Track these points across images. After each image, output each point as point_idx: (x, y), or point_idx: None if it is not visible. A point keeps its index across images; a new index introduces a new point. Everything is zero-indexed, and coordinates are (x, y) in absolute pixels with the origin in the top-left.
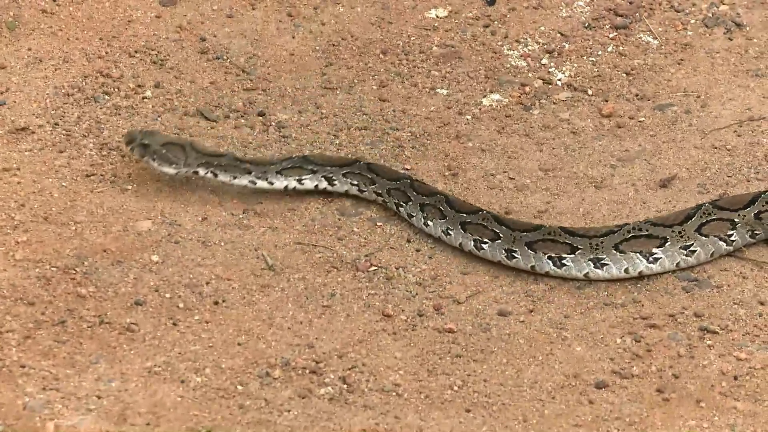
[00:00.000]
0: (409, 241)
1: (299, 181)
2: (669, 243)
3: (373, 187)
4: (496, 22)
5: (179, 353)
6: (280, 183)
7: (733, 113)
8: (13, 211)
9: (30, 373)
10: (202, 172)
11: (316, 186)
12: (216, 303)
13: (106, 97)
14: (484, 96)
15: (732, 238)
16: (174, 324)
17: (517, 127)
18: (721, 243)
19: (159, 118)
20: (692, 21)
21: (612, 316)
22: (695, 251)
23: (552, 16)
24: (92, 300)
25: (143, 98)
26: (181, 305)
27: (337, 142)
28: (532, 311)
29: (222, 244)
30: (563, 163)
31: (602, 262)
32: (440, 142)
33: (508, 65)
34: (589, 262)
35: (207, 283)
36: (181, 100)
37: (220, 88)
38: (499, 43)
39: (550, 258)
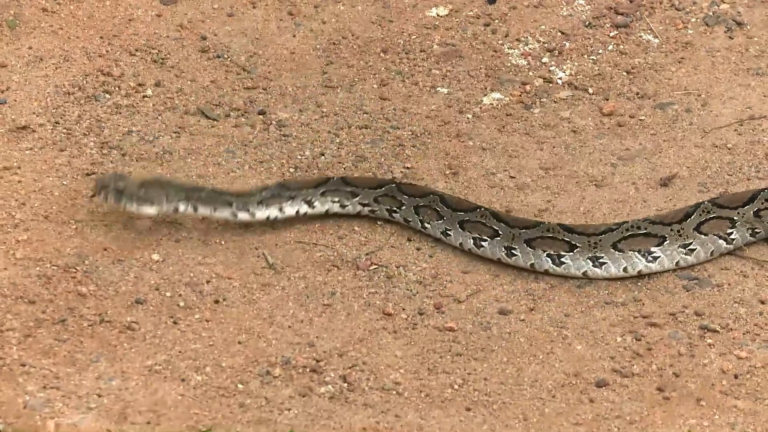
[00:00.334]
0: (409, 239)
1: (280, 209)
2: (668, 242)
3: (357, 198)
4: (496, 21)
5: (180, 352)
6: (261, 213)
7: (733, 112)
8: (13, 210)
9: (30, 372)
10: (182, 207)
11: (297, 212)
12: (216, 301)
13: (107, 95)
14: (485, 95)
15: (732, 237)
16: (174, 322)
17: (517, 126)
18: (720, 241)
19: (160, 117)
20: (693, 20)
21: (612, 315)
22: (695, 250)
23: (553, 14)
24: (93, 298)
25: (144, 97)
26: (181, 304)
27: (338, 140)
28: (532, 310)
29: (222, 242)
30: (564, 161)
31: (601, 260)
32: (441, 141)
33: (509, 64)
34: (588, 260)
35: (207, 282)
36: (181, 99)
37: (220, 87)
38: (500, 42)
39: (549, 256)
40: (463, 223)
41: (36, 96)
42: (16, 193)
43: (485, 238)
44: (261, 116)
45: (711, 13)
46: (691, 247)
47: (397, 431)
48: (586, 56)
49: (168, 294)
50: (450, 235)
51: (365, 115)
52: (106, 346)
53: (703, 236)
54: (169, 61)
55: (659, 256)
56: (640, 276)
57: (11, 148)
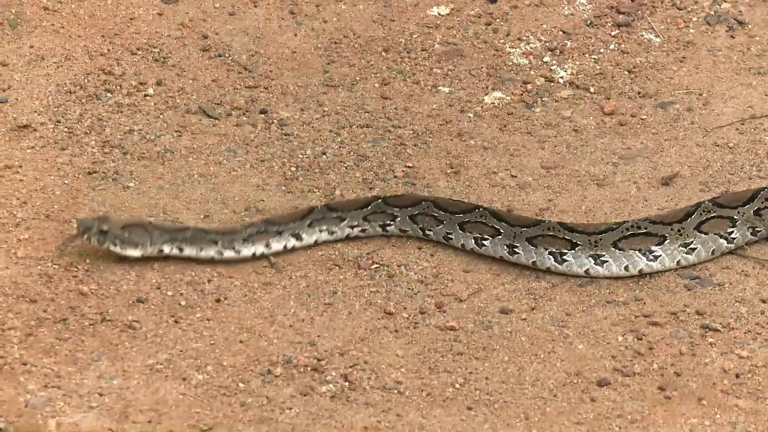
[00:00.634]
0: (410, 239)
1: (267, 245)
2: (668, 241)
3: (345, 222)
4: (498, 20)
5: (181, 351)
6: (247, 251)
7: (735, 111)
8: (15, 209)
9: (32, 371)
10: (167, 249)
11: (285, 246)
12: (218, 300)
13: (108, 94)
14: (486, 94)
15: (733, 236)
16: (176, 321)
17: (519, 125)
18: (721, 241)
19: (161, 116)
20: (694, 19)
21: (614, 314)
22: (696, 249)
23: (554, 13)
24: (94, 297)
25: (145, 96)
26: (182, 303)
27: (339, 139)
28: (533, 309)
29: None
30: (565, 161)
31: (602, 259)
32: (442, 140)
33: (510, 63)
34: (590, 258)
35: (209, 281)
36: (183, 98)
37: (222, 86)
38: (501, 41)
39: (551, 254)
40: (464, 225)
41: (37, 95)
42: (18, 192)
43: (486, 237)
44: (262, 115)
45: (712, 12)
46: (692, 246)
47: (399, 430)
48: (587, 55)
49: (169, 293)
50: (452, 238)
51: (367, 114)
52: (108, 345)
53: (703, 235)
54: (170, 60)
55: (660, 255)
56: (641, 275)
57: (13, 147)
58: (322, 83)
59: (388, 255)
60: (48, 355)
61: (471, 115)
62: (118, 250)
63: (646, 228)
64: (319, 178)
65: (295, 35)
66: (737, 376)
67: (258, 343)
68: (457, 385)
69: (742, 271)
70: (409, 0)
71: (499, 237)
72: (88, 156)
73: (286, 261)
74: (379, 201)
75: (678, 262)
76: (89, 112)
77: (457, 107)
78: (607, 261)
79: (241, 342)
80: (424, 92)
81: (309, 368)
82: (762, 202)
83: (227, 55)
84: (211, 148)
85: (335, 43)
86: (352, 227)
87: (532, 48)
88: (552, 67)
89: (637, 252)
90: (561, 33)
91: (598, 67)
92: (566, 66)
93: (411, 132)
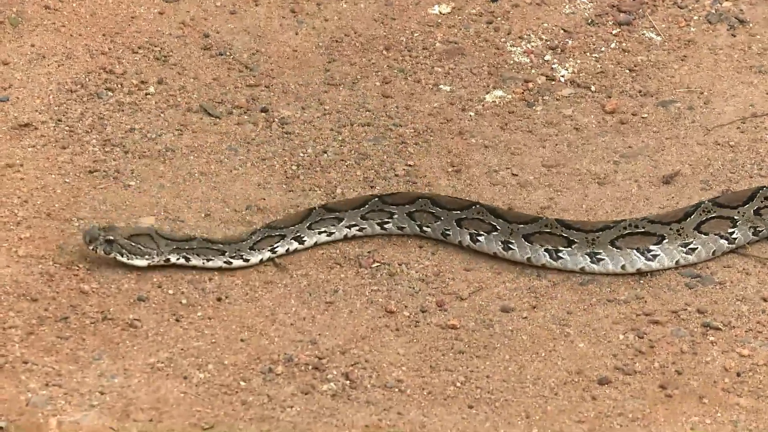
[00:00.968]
0: (411, 238)
1: (272, 250)
2: (666, 240)
3: (343, 223)
4: (499, 19)
5: (182, 349)
6: (255, 258)
7: (736, 110)
8: (16, 207)
9: (33, 369)
10: (173, 258)
11: (288, 249)
12: (219, 299)
13: (109, 93)
14: (487, 92)
15: (734, 236)
16: (177, 320)
17: (520, 124)
18: (722, 241)
19: (162, 115)
20: (695, 17)
21: (615, 313)
22: (696, 249)
23: (555, 12)
24: (95, 296)
25: (146, 94)
26: (184, 301)
27: (340, 138)
28: (535, 307)
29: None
30: (566, 159)
31: (599, 257)
32: (443, 139)
33: (511, 62)
34: (586, 256)
35: (210, 280)
36: (184, 97)
37: (223, 85)
38: (503, 40)
39: (546, 251)
40: (461, 221)
41: (38, 93)
42: (19, 191)
43: (482, 233)
44: (263, 114)
45: (713, 11)
46: (692, 246)
47: (400, 429)
48: (588, 54)
49: (170, 291)
50: (449, 234)
51: (368, 112)
52: (109, 344)
53: (703, 236)
54: (171, 58)
55: (659, 255)
56: (642, 274)
57: (14, 146)
58: (323, 82)
59: (389, 253)
60: (49, 353)
61: (472, 113)
62: (124, 259)
63: (644, 227)
64: (320, 176)
65: (296, 34)
66: (738, 374)
67: (259, 341)
68: (458, 384)
69: (743, 269)
70: None
71: (495, 233)
72: (89, 155)
73: (287, 260)
74: (376, 199)
75: (677, 261)
76: (90, 110)
77: (458, 106)
78: (603, 259)
79: (242, 340)
80: (425, 91)
81: (310, 367)
82: (762, 201)
83: (228, 53)
84: (212, 147)
85: (336, 41)
86: (350, 227)
87: (533, 46)
88: (553, 66)
89: (635, 251)
90: (562, 31)
91: (599, 66)
92: (567, 64)
93: (412, 130)
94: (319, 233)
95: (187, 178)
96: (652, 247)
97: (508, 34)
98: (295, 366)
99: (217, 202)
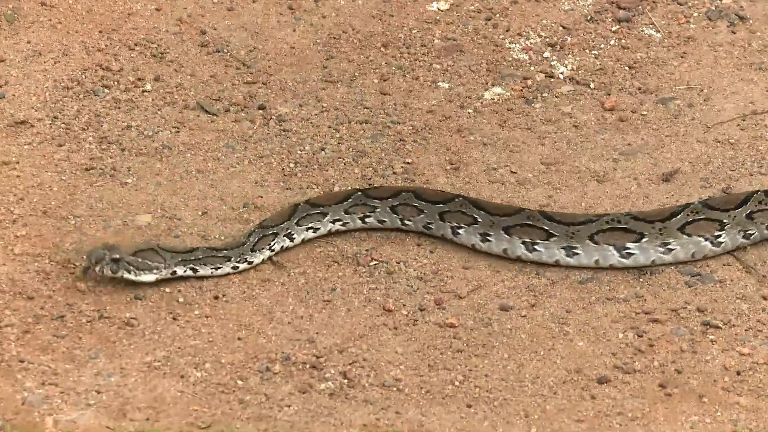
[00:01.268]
0: (409, 235)
1: (270, 248)
2: (645, 239)
3: (328, 218)
4: (497, 15)
5: (179, 348)
6: (257, 259)
7: (736, 107)
8: (12, 205)
9: (29, 368)
10: (180, 271)
11: (282, 246)
12: (216, 297)
13: (106, 90)
14: (486, 89)
15: (720, 240)
16: (174, 319)
17: (519, 121)
18: (705, 243)
19: (159, 112)
20: (695, 14)
21: (614, 311)
22: (673, 250)
23: (554, 9)
24: (91, 294)
25: (143, 91)
26: (180, 300)
27: (338, 135)
28: (533, 306)
29: (222, 238)
30: (565, 157)
31: (574, 251)
32: (442, 136)
33: (510, 58)
34: (561, 249)
35: (207, 278)
36: (181, 94)
37: (220, 82)
38: (501, 37)
39: (523, 243)
40: (444, 215)
41: (34, 91)
42: (15, 189)
43: (462, 225)
44: (261, 111)
45: (713, 8)
46: (670, 246)
47: (398, 428)
48: (587, 51)
49: (167, 290)
50: (432, 227)
51: (366, 110)
52: (105, 343)
53: (685, 237)
54: (168, 55)
55: (634, 253)
56: (641, 271)
57: (10, 143)
58: (320, 79)
59: (387, 252)
60: (45, 352)
61: (470, 110)
62: (132, 276)
63: (626, 223)
64: (318, 174)
65: (294, 31)
66: (738, 373)
67: (256, 340)
68: (457, 383)
69: (743, 268)
70: None
71: (475, 226)
72: (85, 152)
73: (284, 258)
74: (359, 194)
75: (653, 261)
76: (87, 108)
77: (457, 103)
78: (579, 254)
79: (239, 339)
80: (423, 88)
81: (308, 365)
82: (756, 205)
83: (225, 50)
84: (209, 144)
85: (334, 38)
86: (334, 222)
87: (532, 43)
88: (552, 63)
89: (612, 247)
90: (561, 28)
91: (599, 63)
92: (566, 61)
93: (410, 128)
94: (306, 230)
95: (183, 175)
96: (629, 245)
97: (507, 30)
98: (293, 365)
99: (214, 199)
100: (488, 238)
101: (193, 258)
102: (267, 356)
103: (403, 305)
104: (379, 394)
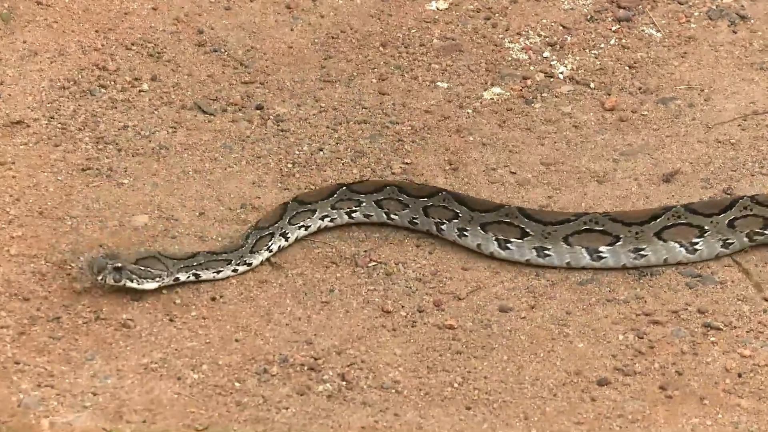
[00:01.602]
0: (408, 237)
1: (268, 249)
2: (620, 243)
3: (316, 215)
4: (497, 15)
5: (176, 350)
6: (256, 260)
7: (737, 107)
8: (8, 206)
9: (25, 370)
10: (183, 277)
11: (279, 246)
12: (213, 299)
13: (102, 90)
14: (485, 89)
15: (697, 247)
16: (170, 320)
17: (518, 121)
18: (680, 250)
19: (156, 112)
20: (696, 13)
21: (614, 313)
22: (645, 255)
23: (554, 8)
24: (88, 296)
25: (140, 91)
26: (177, 301)
27: (336, 136)
28: (533, 307)
29: (219, 239)
30: (565, 157)
31: (546, 252)
32: (441, 136)
33: (510, 58)
34: (533, 250)
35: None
36: (178, 94)
37: (217, 81)
38: (501, 36)
39: (496, 240)
40: (427, 209)
41: (30, 90)
42: (11, 189)
43: (444, 221)
44: (258, 111)
45: (714, 7)
46: (642, 252)
47: (396, 430)
48: (587, 50)
49: (164, 291)
50: (417, 222)
51: (364, 110)
52: (101, 344)
53: (661, 242)
54: (165, 55)
55: (605, 257)
56: (642, 273)
57: (5, 143)
58: (319, 79)
59: (385, 253)
60: (41, 354)
61: (470, 110)
62: (135, 285)
63: (603, 225)
64: (316, 174)
65: (292, 30)
66: (739, 375)
67: (254, 341)
68: (456, 385)
69: (741, 271)
70: None
71: (456, 221)
72: (81, 152)
73: (281, 259)
74: (344, 189)
75: (623, 265)
76: (83, 107)
77: (456, 103)
78: (550, 255)
79: (236, 341)
80: (422, 88)
81: (305, 367)
82: (740, 211)
83: (223, 50)
84: (207, 145)
85: (332, 38)
86: (323, 218)
87: (531, 43)
88: (552, 63)
89: (584, 249)
90: (561, 28)
91: (599, 63)
92: (566, 61)
93: (409, 128)
94: (298, 228)
95: (181, 176)
96: (601, 248)
97: (506, 30)
98: (291, 367)
99: (212, 200)
100: (465, 233)
101: (195, 263)
102: (264, 358)
103: (402, 306)
104: (378, 396)
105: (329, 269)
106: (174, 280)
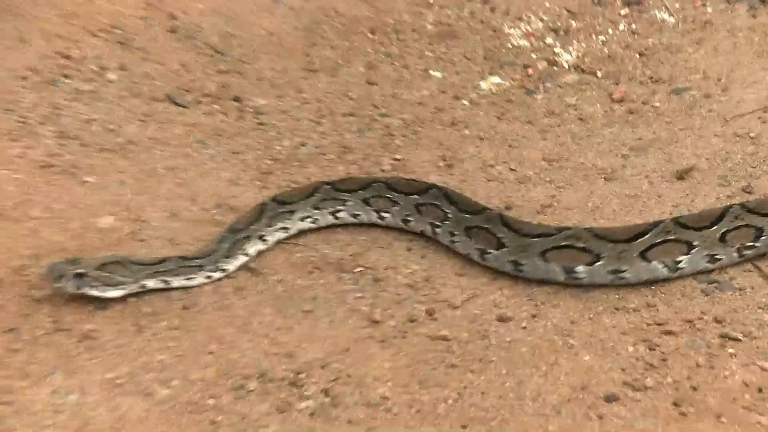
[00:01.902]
0: (398, 239)
1: (245, 253)
2: (600, 263)
3: (298, 215)
4: None
5: (145, 363)
6: (232, 266)
7: (756, 98)
8: None
9: None
10: (151, 283)
11: (258, 250)
12: (185, 307)
13: (66, 80)
14: (483, 79)
15: (680, 266)
16: (139, 331)
17: (518, 114)
18: (662, 270)
19: (124, 104)
20: None
21: (623, 322)
22: (624, 278)
23: None
24: (48, 304)
25: (107, 82)
26: (147, 310)
27: (320, 129)
28: (535, 317)
29: (192, 242)
30: (570, 152)
31: (521, 267)
32: (434, 130)
33: (510, 45)
34: (509, 263)
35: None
36: (148, 84)
37: (191, 71)
38: (500, 21)
39: (477, 249)
40: (420, 207)
41: None
42: None
43: (438, 223)
44: (236, 103)
45: None
46: (622, 275)
47: None
48: (594, 37)
49: (132, 299)
50: (410, 221)
51: (351, 101)
52: (63, 357)
53: (644, 263)
54: (135, 42)
55: (582, 277)
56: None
57: None
58: (301, 68)
59: (373, 257)
60: None
61: (466, 102)
62: (97, 293)
63: (586, 242)
64: (298, 172)
65: (273, 15)
66: (760, 390)
67: (230, 354)
68: (450, 401)
69: (762, 276)
70: None
71: (447, 222)
72: (42, 148)
73: (260, 264)
74: (328, 187)
75: (599, 284)
76: (45, 99)
77: (451, 94)
78: (523, 271)
79: (210, 353)
80: (414, 77)
81: (286, 382)
82: (731, 222)
83: (197, 37)
84: (179, 139)
85: (316, 23)
86: (305, 219)
87: (533, 29)
88: (555, 50)
89: (559, 267)
90: (565, 12)
91: (606, 50)
92: (571, 48)
93: (399, 121)
94: (277, 231)
95: (150, 173)
96: (578, 269)
97: (506, 14)
98: (270, 381)
99: (184, 200)
100: (455, 237)
101: (164, 269)
102: (241, 372)
103: (392, 316)
104: (365, 414)
105: (312, 275)
106: (141, 288)
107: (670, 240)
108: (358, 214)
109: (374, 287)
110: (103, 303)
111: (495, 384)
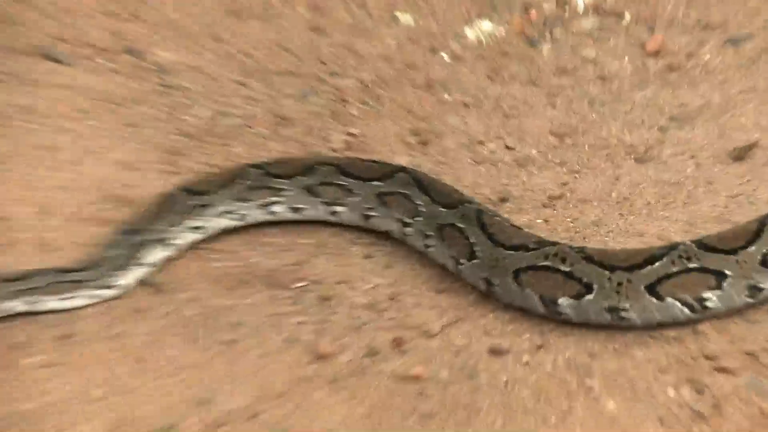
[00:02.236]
0: (355, 243)
1: (143, 263)
2: (590, 297)
3: (217, 210)
4: None
5: (6, 414)
6: (125, 280)
7: None
8: None
9: None
10: (19, 306)
11: (162, 259)
12: (63, 336)
13: None
14: (469, 24)
15: (707, 303)
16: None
17: (517, 71)
18: (682, 309)
19: None
20: None
21: (661, 356)
22: (626, 318)
23: None
24: None
25: None
26: (9, 340)
27: (247, 93)
28: (540, 348)
29: (71, 248)
30: (587, 124)
31: (493, 289)
32: (402, 94)
33: None
34: (482, 281)
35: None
36: (13, 33)
37: (72, 15)
38: None
39: (452, 257)
40: (383, 197)
41: None
42: None
43: (408, 220)
44: (131, 57)
45: None
46: (621, 314)
47: None
48: None
49: None
50: (372, 216)
51: (290, 56)
52: None
53: (654, 301)
54: None
55: (565, 313)
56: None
57: None
58: (223, 9)
59: (320, 267)
60: None
61: (445, 56)
62: None
63: (577, 267)
64: (218, 151)
65: None
66: None
67: (124, 400)
68: None
69: None
70: None
71: (419, 219)
72: None
73: (166, 277)
74: (260, 171)
75: (590, 323)
76: None
77: (425, 45)
78: (496, 293)
79: (97, 401)
80: (376, 23)
81: None
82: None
83: None
84: (54, 108)
85: None
86: (224, 214)
87: None
88: None
89: (537, 297)
90: None
91: None
92: None
93: (356, 82)
94: (189, 229)
95: (15, 154)
96: (561, 301)
97: None
98: None
99: (61, 190)
100: (429, 241)
101: (32, 286)
102: (139, 426)
103: (345, 348)
104: None
105: (236, 292)
106: (5, 313)
107: (691, 269)
108: (300, 208)
109: (321, 309)
110: None
111: None
